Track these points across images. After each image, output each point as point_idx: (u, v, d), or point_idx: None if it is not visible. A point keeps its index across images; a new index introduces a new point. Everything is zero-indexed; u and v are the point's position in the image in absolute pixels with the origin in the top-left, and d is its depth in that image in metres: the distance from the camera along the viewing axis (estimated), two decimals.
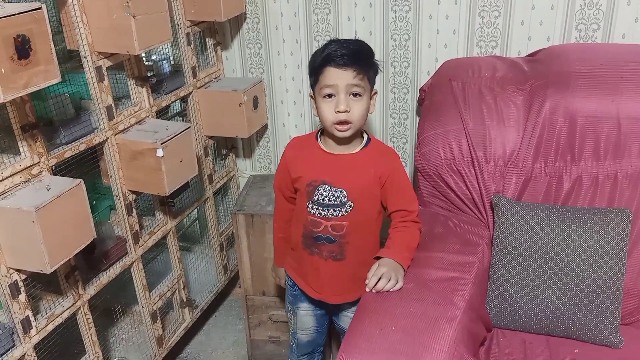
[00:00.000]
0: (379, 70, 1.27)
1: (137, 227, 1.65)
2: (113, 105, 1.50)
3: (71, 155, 1.38)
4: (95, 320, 1.53)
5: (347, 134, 1.25)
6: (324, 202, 1.30)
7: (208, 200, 2.01)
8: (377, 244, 1.40)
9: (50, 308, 1.38)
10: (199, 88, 1.87)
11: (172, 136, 1.52)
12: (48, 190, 1.23)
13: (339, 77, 1.19)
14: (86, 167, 1.51)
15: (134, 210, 1.63)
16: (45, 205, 1.17)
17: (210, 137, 1.97)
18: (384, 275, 1.19)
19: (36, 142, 1.27)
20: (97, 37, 1.41)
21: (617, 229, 1.29)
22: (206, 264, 2.17)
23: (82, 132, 1.42)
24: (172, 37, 1.52)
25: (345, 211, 1.30)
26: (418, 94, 1.78)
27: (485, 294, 1.35)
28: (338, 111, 1.21)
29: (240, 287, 2.32)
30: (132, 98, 1.60)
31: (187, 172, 1.62)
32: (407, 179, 1.34)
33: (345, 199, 1.29)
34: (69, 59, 1.50)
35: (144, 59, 1.64)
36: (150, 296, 1.74)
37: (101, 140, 1.47)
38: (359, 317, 1.14)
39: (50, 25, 1.50)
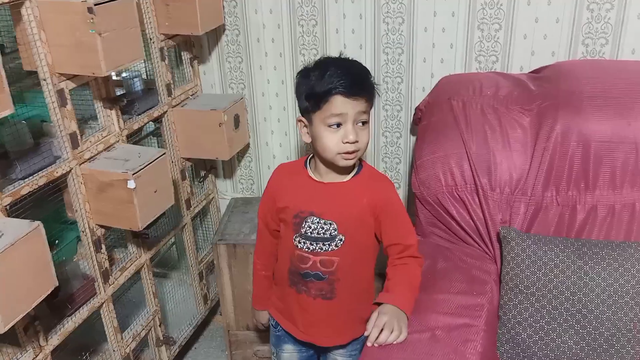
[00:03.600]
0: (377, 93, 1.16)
1: (106, 264, 1.49)
2: (77, 131, 1.34)
3: (29, 192, 1.21)
4: None
5: (352, 162, 1.14)
6: (312, 235, 1.17)
7: (186, 227, 1.85)
8: (371, 281, 1.28)
9: None
10: (174, 107, 1.72)
11: (144, 165, 1.37)
12: (1, 236, 1.07)
13: (349, 107, 1.08)
14: (47, 197, 1.35)
15: (103, 246, 1.47)
16: None
17: (187, 159, 1.81)
18: (386, 325, 1.06)
19: None
20: (58, 56, 1.24)
21: (638, 265, 1.18)
22: (184, 293, 2.01)
23: (42, 164, 1.26)
24: (144, 56, 1.37)
25: (336, 245, 1.17)
26: (413, 112, 1.66)
27: (496, 340, 1.23)
28: (347, 142, 1.09)
29: (221, 314, 2.17)
30: (100, 122, 1.44)
31: (162, 203, 1.46)
32: (403, 209, 1.22)
33: (336, 232, 1.17)
34: (25, 77, 1.34)
35: (112, 77, 1.48)
36: (122, 338, 1.57)
37: (64, 171, 1.31)
38: None
39: (4, 42, 1.33)
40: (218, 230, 1.72)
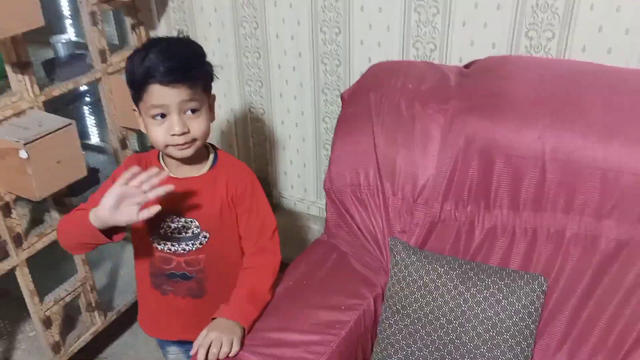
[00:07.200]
0: (214, 75, 1.05)
1: (19, 229, 1.50)
2: None
3: None
4: None
5: (189, 152, 1.03)
6: (173, 235, 1.10)
7: None
8: None
9: None
10: (110, 74, 1.67)
11: (41, 135, 1.34)
12: None
13: (168, 96, 0.97)
14: None
15: (14, 210, 1.47)
16: None
17: (128, 128, 1.77)
18: (213, 343, 0.99)
19: None
20: None
21: (525, 300, 1.03)
22: None
23: None
24: (43, 22, 1.32)
25: (200, 243, 1.10)
26: None
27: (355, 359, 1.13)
28: (174, 134, 1.00)
29: None
30: (11, 87, 1.42)
31: (68, 174, 1.44)
32: (263, 200, 1.13)
33: (198, 230, 1.09)
34: None
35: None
36: (42, 302, 1.60)
37: None
38: None
39: None
40: None
